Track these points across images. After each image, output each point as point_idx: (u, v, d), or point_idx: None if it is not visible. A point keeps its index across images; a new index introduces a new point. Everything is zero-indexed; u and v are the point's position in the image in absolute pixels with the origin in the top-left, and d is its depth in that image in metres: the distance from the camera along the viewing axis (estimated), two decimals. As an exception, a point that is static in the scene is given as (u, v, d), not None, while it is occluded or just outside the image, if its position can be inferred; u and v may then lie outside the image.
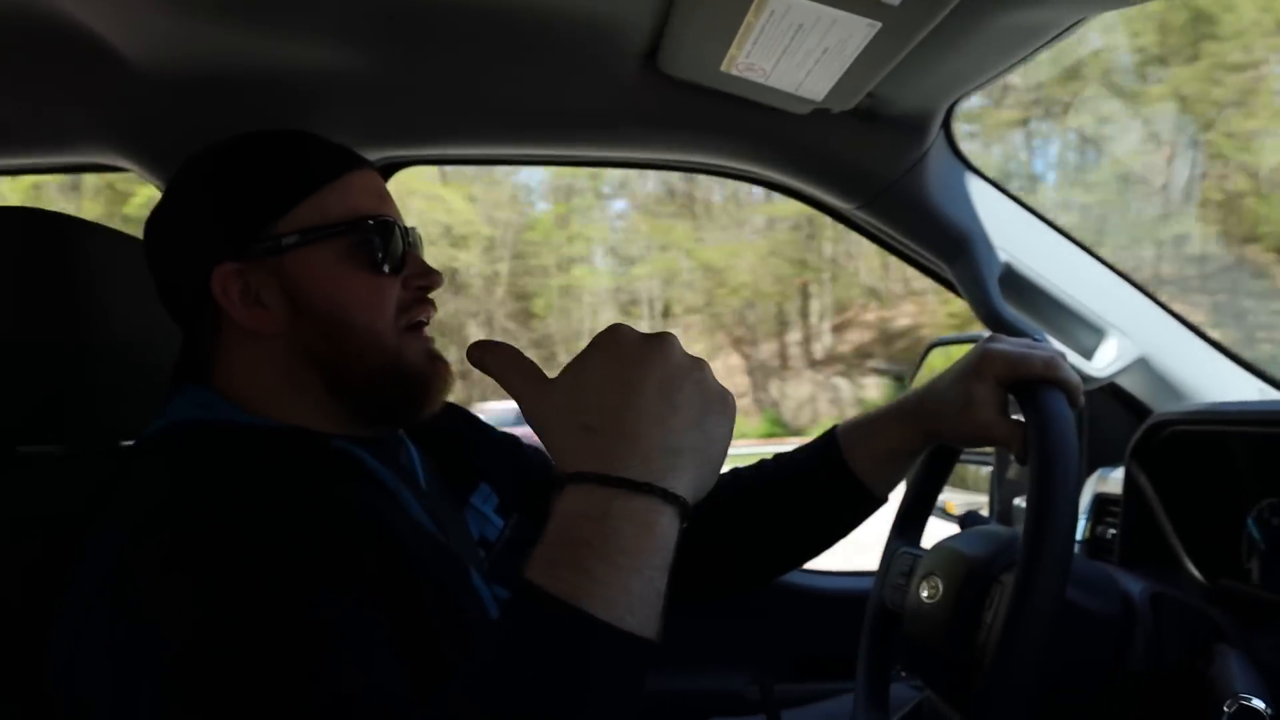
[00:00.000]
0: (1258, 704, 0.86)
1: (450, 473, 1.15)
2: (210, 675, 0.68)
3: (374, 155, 1.46)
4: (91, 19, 1.17)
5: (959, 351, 1.46)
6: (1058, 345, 1.48)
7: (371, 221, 0.99)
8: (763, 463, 1.26)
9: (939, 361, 1.87)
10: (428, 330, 1.05)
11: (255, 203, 0.98)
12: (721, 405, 0.73)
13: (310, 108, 1.34)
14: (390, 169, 1.55)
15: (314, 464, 0.91)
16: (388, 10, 1.16)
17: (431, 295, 1.04)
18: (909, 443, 1.15)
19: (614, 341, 0.74)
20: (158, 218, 1.02)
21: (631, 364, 0.72)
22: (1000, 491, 1.77)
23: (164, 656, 0.69)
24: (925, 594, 1.07)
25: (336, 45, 1.23)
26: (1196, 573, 1.24)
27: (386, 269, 0.99)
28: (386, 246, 0.99)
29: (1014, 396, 1.06)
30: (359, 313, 0.98)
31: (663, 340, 0.73)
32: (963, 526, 1.23)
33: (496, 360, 0.78)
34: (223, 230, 0.97)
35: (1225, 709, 0.87)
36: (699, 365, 0.74)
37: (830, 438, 1.21)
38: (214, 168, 1.01)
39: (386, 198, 1.04)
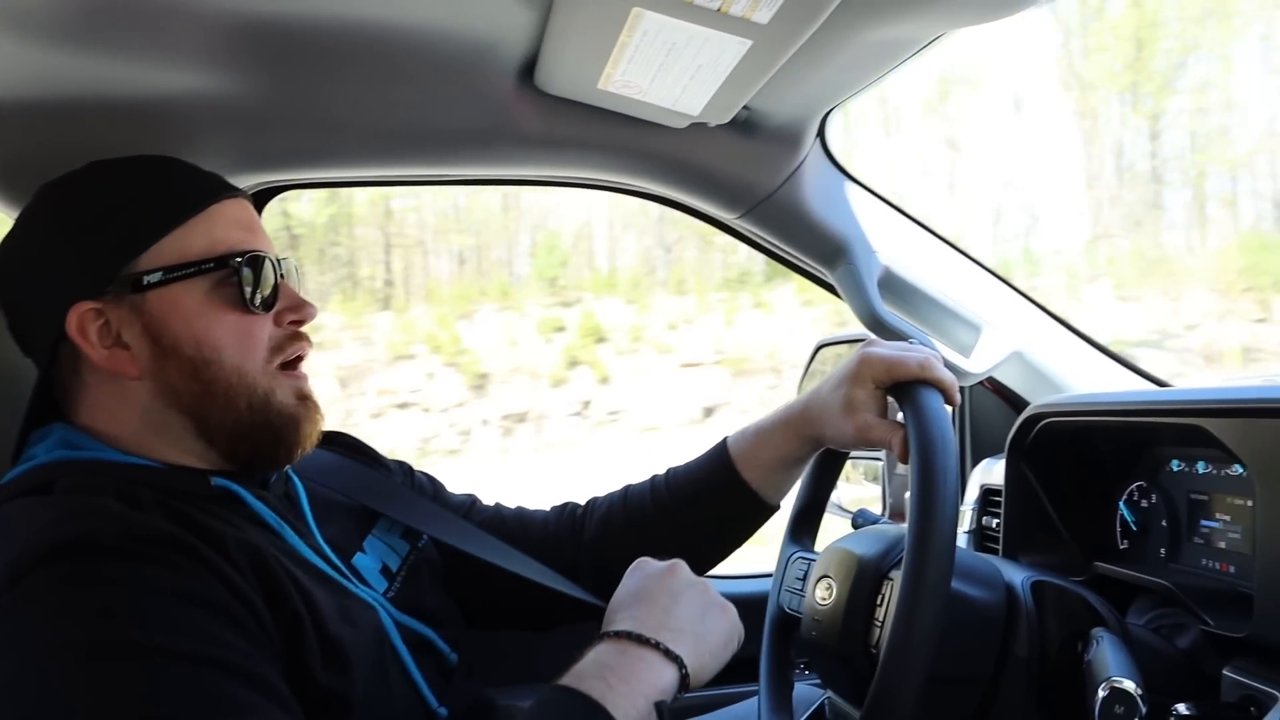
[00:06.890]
0: (1128, 685, 0.91)
1: (346, 504, 1.12)
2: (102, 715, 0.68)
3: (249, 181, 1.42)
4: None
5: (849, 350, 1.49)
6: (937, 344, 1.53)
7: (239, 257, 0.95)
8: (655, 477, 1.27)
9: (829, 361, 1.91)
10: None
11: (115, 237, 0.93)
12: (720, 610, 0.97)
13: (181, 134, 1.28)
14: (266, 195, 1.51)
15: (192, 503, 0.88)
16: (258, 34, 1.12)
17: (306, 330, 1.01)
18: (796, 450, 1.17)
19: (639, 568, 1.00)
20: (8, 250, 0.97)
21: (651, 578, 0.97)
22: (890, 487, 1.82)
23: (52, 703, 0.69)
24: (820, 596, 1.09)
25: (205, 71, 1.19)
26: (1081, 557, 1.30)
27: (256, 306, 0.96)
28: (256, 282, 0.95)
29: (892, 398, 1.09)
30: (227, 354, 0.94)
31: (674, 565, 0.99)
32: (855, 525, 1.26)
33: None
34: (80, 266, 0.92)
35: (1100, 693, 0.91)
36: (701, 584, 0.98)
37: (721, 448, 1.22)
38: (71, 198, 0.96)
39: (256, 228, 1.01)
